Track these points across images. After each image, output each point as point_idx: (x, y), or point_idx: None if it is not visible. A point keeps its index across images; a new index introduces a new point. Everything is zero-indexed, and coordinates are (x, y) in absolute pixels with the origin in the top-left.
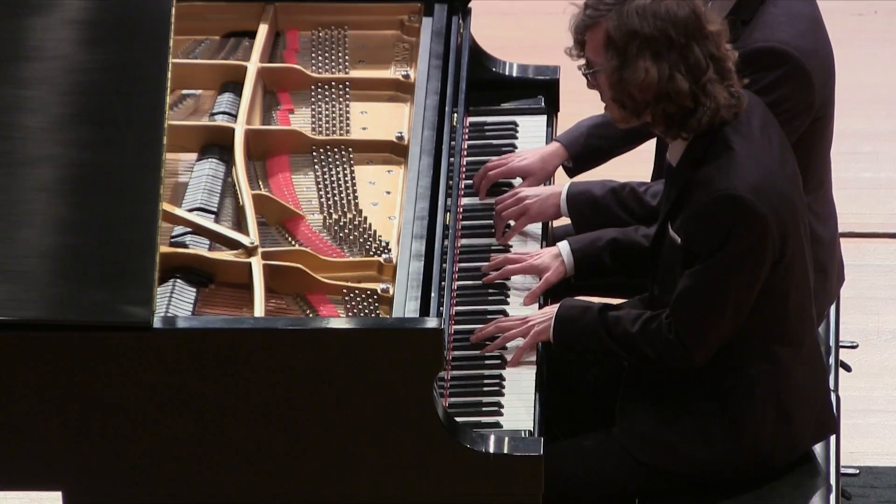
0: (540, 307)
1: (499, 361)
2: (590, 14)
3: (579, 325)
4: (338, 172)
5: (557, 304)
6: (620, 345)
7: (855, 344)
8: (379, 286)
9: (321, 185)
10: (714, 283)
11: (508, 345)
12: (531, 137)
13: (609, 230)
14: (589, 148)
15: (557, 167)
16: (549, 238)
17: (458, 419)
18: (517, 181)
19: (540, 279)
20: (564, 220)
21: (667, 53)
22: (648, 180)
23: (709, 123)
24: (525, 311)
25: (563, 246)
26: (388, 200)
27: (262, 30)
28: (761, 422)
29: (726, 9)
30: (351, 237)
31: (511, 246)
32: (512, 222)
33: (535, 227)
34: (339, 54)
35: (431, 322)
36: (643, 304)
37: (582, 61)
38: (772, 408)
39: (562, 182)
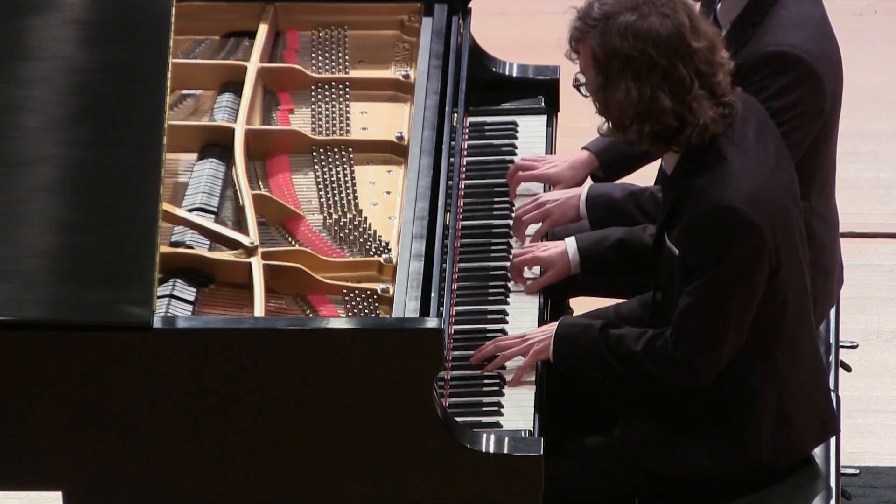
0: (540, 306)
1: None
2: (578, 28)
3: (580, 344)
4: (338, 172)
5: (556, 322)
6: (624, 363)
7: (855, 344)
8: (379, 286)
9: (321, 185)
10: (715, 299)
11: (507, 364)
12: (531, 137)
13: (616, 229)
14: (619, 155)
15: (587, 176)
16: (550, 234)
17: (458, 419)
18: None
19: (542, 273)
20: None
21: (648, 74)
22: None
23: (698, 138)
24: (523, 328)
25: (570, 243)
26: (388, 200)
27: (262, 30)
28: (762, 429)
29: (737, 9)
30: (351, 237)
31: (511, 244)
32: (532, 227)
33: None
34: (339, 54)
35: (431, 322)
36: (642, 305)
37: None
38: (772, 414)
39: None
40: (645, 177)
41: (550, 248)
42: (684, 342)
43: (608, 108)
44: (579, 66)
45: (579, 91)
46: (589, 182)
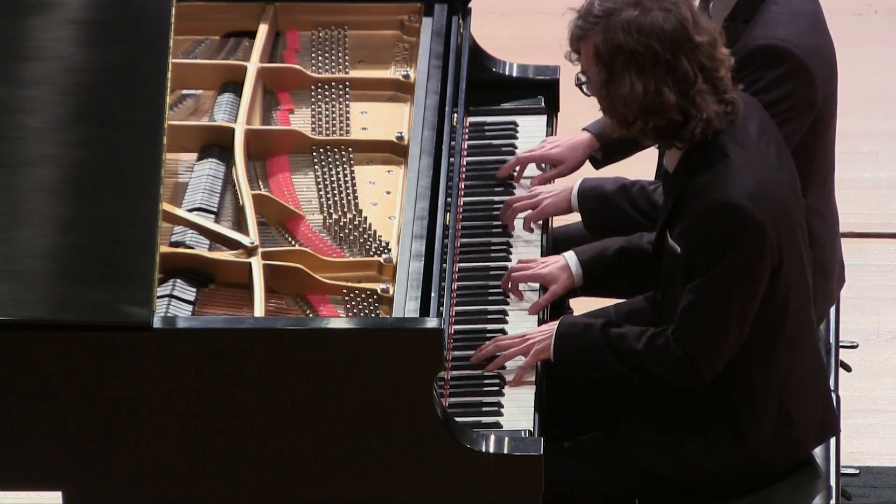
0: (540, 322)
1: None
2: (580, 25)
3: (581, 343)
4: (338, 172)
5: (556, 322)
6: (625, 362)
7: (855, 344)
8: (379, 286)
9: (321, 185)
10: (717, 296)
11: (508, 364)
12: (531, 137)
13: (614, 239)
14: (619, 138)
15: (587, 157)
16: (549, 235)
17: (458, 419)
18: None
19: (545, 289)
20: (564, 221)
21: (652, 68)
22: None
23: (702, 134)
24: (523, 328)
25: (571, 257)
26: (388, 200)
27: (262, 30)
28: (763, 428)
29: (729, 6)
30: (351, 237)
31: (511, 244)
32: (522, 215)
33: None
34: (339, 54)
35: (431, 322)
36: (642, 304)
37: (580, 66)
38: (773, 413)
39: (573, 178)
40: (643, 171)
41: (550, 264)
42: (685, 340)
43: (612, 104)
44: (581, 65)
45: (582, 90)
46: (581, 176)
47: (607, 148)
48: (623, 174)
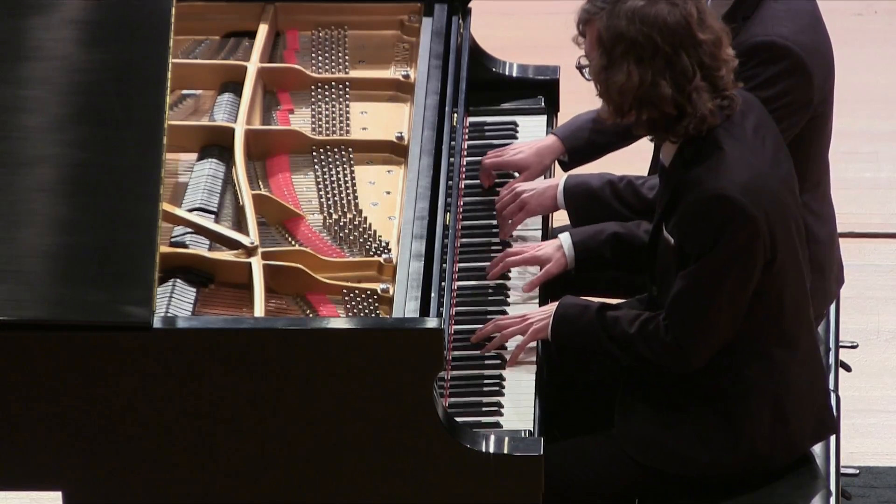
0: (540, 304)
1: (499, 362)
2: (587, 9)
3: (578, 324)
4: (338, 172)
5: (556, 303)
6: (618, 345)
7: (855, 344)
8: (379, 286)
9: (321, 185)
10: (707, 284)
11: (508, 345)
12: (531, 137)
13: (611, 224)
14: (586, 142)
15: (553, 161)
16: (548, 234)
17: (458, 419)
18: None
19: (541, 270)
20: (565, 220)
21: (651, 60)
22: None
23: (696, 130)
24: (523, 309)
25: (565, 237)
26: (388, 200)
27: (262, 30)
28: (758, 424)
29: (726, 5)
30: (351, 237)
31: (512, 239)
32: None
33: (536, 222)
34: (339, 54)
35: (431, 322)
36: (642, 304)
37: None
38: (768, 409)
39: (560, 174)
40: (637, 168)
41: (545, 246)
42: (675, 326)
43: (609, 90)
44: (584, 49)
45: (581, 74)
46: (565, 172)
47: (574, 152)
48: (605, 168)
